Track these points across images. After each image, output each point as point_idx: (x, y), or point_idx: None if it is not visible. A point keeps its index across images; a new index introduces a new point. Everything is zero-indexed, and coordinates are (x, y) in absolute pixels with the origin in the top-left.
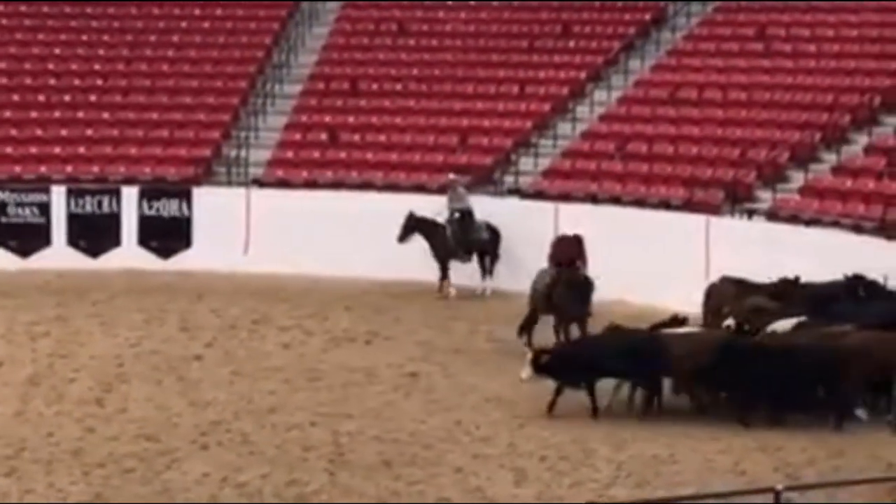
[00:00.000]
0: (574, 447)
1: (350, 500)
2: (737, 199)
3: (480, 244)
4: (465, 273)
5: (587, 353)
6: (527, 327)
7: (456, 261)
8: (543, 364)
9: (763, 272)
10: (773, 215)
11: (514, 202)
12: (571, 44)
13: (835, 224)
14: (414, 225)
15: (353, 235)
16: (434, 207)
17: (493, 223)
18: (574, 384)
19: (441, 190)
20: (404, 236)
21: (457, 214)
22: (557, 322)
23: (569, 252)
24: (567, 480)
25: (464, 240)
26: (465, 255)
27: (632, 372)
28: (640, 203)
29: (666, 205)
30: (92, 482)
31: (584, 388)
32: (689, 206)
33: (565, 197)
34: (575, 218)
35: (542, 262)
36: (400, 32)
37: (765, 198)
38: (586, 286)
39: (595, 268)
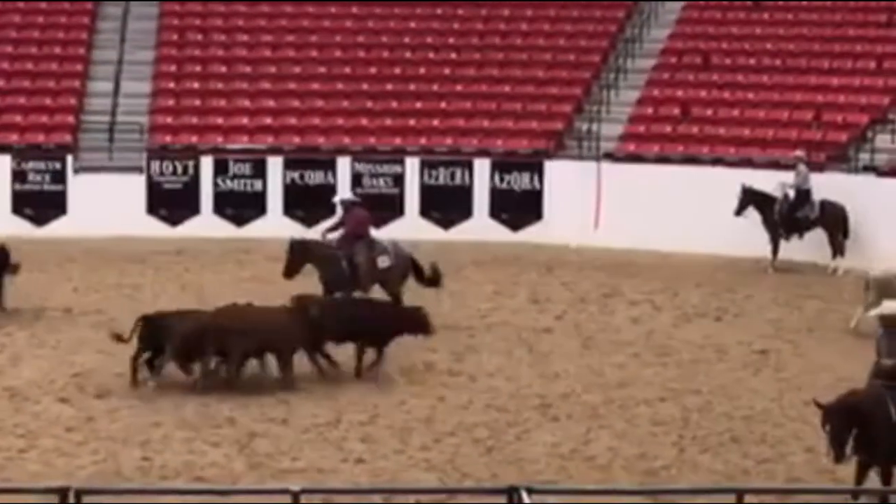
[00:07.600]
0: None
1: (698, 477)
2: None
3: (807, 223)
4: (817, 253)
5: None
6: None
7: (780, 237)
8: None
9: None
10: None
11: (869, 179)
12: None
13: None
14: (750, 199)
15: (704, 211)
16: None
17: (837, 201)
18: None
19: (790, 166)
20: (741, 210)
21: (791, 192)
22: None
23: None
24: None
25: (788, 217)
26: (786, 233)
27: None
28: None
29: None
30: (443, 450)
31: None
32: None
33: None
34: None
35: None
36: (754, 6)
37: None
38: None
39: None
